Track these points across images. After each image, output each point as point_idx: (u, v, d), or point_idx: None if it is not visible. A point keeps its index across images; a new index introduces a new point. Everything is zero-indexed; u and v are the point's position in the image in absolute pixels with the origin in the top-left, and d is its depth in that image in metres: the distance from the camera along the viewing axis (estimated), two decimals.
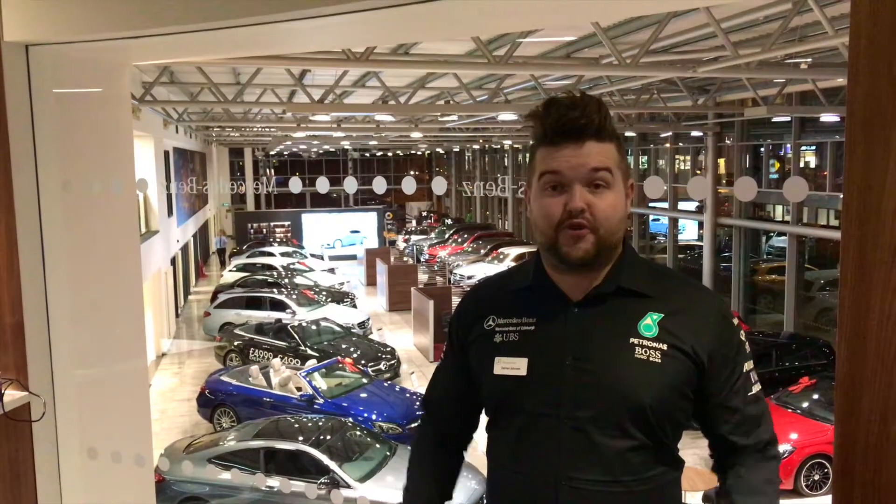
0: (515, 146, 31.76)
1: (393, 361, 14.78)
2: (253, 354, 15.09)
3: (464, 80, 12.94)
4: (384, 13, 1.83)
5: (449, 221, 39.71)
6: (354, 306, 20.51)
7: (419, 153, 45.56)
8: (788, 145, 17.94)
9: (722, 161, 20.42)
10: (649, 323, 1.45)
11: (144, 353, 2.97)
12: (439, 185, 2.77)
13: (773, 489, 1.49)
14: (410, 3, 1.77)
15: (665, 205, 22.50)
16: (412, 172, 47.76)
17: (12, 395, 2.22)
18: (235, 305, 18.29)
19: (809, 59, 10.81)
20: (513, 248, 26.26)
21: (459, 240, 30.40)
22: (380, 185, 2.13)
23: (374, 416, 11.39)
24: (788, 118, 17.25)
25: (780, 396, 11.16)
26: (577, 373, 1.44)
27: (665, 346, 1.43)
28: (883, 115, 1.18)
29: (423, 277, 23.31)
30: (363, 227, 34.40)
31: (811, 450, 9.95)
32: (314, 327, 15.75)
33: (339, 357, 13.86)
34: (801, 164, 17.79)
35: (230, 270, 24.73)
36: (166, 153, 18.11)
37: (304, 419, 10.48)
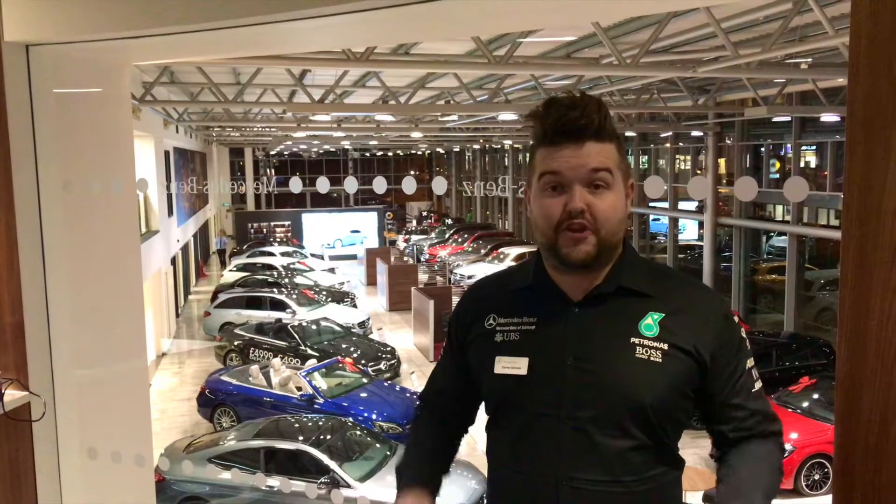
0: (516, 146, 31.77)
1: (393, 361, 14.78)
2: (253, 354, 15.09)
3: (464, 80, 12.94)
4: (384, 13, 1.83)
5: (449, 221, 39.72)
6: (354, 306, 20.51)
7: (419, 153, 45.57)
8: (789, 145, 17.95)
9: (722, 161, 20.43)
10: (650, 322, 1.45)
11: (144, 352, 2.98)
12: (439, 185, 2.77)
13: (774, 458, 1.49)
14: (410, 3, 1.77)
15: (665, 204, 22.50)
16: (412, 172, 47.75)
17: (12, 395, 2.22)
18: (235, 305, 18.30)
19: (810, 59, 10.81)
20: (513, 247, 26.26)
21: (460, 240, 30.41)
22: (380, 184, 2.13)
23: (374, 416, 11.40)
24: (789, 118, 17.25)
25: (780, 396, 11.16)
26: (577, 373, 1.44)
27: (666, 346, 1.43)
28: (883, 115, 1.18)
29: (423, 277, 23.32)
30: (363, 226, 34.40)
31: (811, 449, 9.95)
32: (314, 327, 15.75)
33: (339, 357, 13.86)
34: (802, 164, 17.79)
35: (230, 270, 24.74)
36: (166, 153, 18.11)
37: (305, 419, 10.48)
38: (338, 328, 16.01)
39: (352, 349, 14.86)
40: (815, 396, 10.93)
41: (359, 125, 20.91)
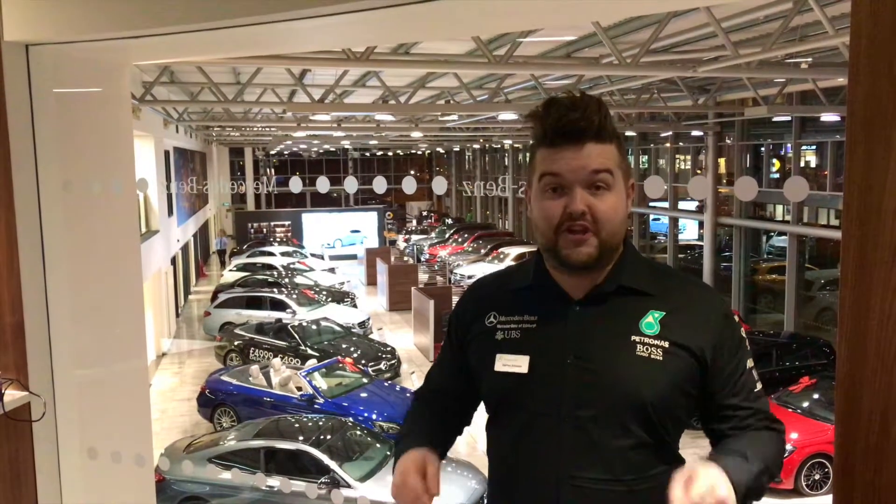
0: (516, 146, 31.77)
1: (393, 361, 14.78)
2: (253, 354, 15.09)
3: (464, 80, 12.94)
4: (384, 13, 1.83)
5: (449, 221, 39.72)
6: (355, 306, 20.52)
7: (419, 153, 45.57)
8: (789, 145, 17.95)
9: (722, 161, 20.43)
10: (651, 321, 1.44)
11: (144, 352, 2.97)
12: (439, 185, 2.78)
13: (774, 442, 1.47)
14: (410, 3, 1.77)
15: (665, 204, 22.50)
16: (412, 172, 47.74)
17: (12, 395, 2.22)
18: (236, 305, 18.30)
19: (810, 59, 10.81)
20: (513, 247, 26.27)
21: (460, 239, 30.42)
22: (380, 184, 2.13)
23: (374, 416, 11.40)
24: (789, 118, 17.26)
25: (780, 396, 11.16)
26: (578, 371, 1.44)
27: (667, 344, 1.42)
28: (883, 115, 1.18)
29: (423, 277, 23.32)
30: (363, 226, 34.40)
31: (811, 449, 9.95)
32: (314, 327, 15.75)
33: (339, 357, 13.86)
34: (802, 164, 17.80)
35: (230, 270, 24.74)
36: (166, 153, 18.11)
37: (305, 419, 10.48)
38: (338, 328, 16.01)
39: (352, 349, 14.86)
40: (816, 396, 10.93)
41: (359, 125, 20.91)
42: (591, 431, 1.42)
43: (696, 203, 20.68)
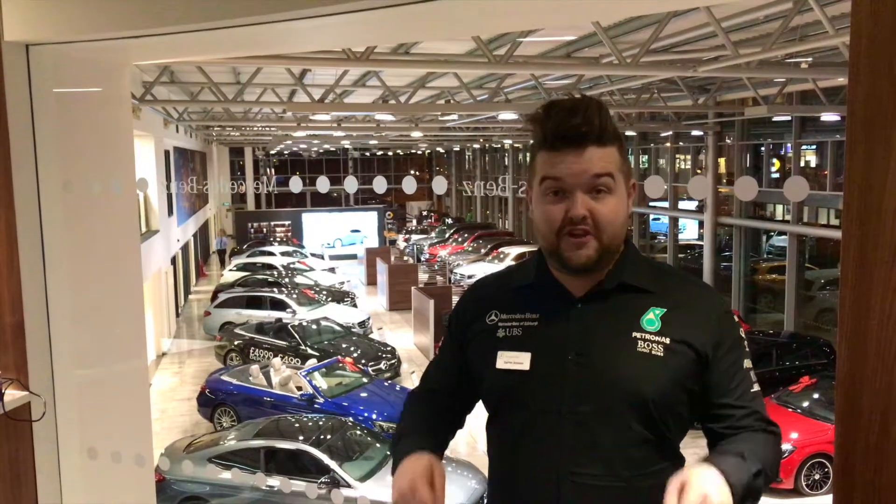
0: (516, 145, 31.77)
1: (393, 361, 14.78)
2: (253, 354, 15.09)
3: (464, 80, 12.94)
4: (384, 13, 1.83)
5: (449, 221, 39.71)
6: (355, 306, 20.52)
7: (419, 152, 45.57)
8: (789, 144, 17.95)
9: (722, 160, 20.43)
10: (652, 317, 1.45)
11: (144, 352, 2.97)
12: (439, 185, 2.78)
13: (771, 444, 1.45)
14: (410, 3, 1.77)
15: (665, 204, 22.51)
16: (412, 172, 47.73)
17: (12, 395, 2.22)
18: (236, 305, 18.30)
19: (810, 59, 10.81)
20: (513, 247, 26.28)
21: (460, 239, 30.42)
22: (380, 184, 2.13)
23: (374, 416, 11.40)
24: (789, 117, 17.26)
25: (780, 396, 11.16)
26: (579, 368, 1.44)
27: (668, 340, 1.43)
28: (884, 115, 1.18)
29: (423, 277, 23.32)
30: (363, 226, 34.41)
31: (811, 449, 9.95)
32: (314, 327, 15.75)
33: (339, 356, 13.86)
34: (802, 164, 17.80)
35: (230, 270, 24.75)
36: (166, 152, 18.11)
37: (305, 418, 10.48)
38: (338, 328, 16.01)
39: (352, 349, 14.86)
40: (816, 396, 10.93)
41: (359, 125, 20.92)
42: (591, 428, 1.42)
43: (696, 203, 20.69)
